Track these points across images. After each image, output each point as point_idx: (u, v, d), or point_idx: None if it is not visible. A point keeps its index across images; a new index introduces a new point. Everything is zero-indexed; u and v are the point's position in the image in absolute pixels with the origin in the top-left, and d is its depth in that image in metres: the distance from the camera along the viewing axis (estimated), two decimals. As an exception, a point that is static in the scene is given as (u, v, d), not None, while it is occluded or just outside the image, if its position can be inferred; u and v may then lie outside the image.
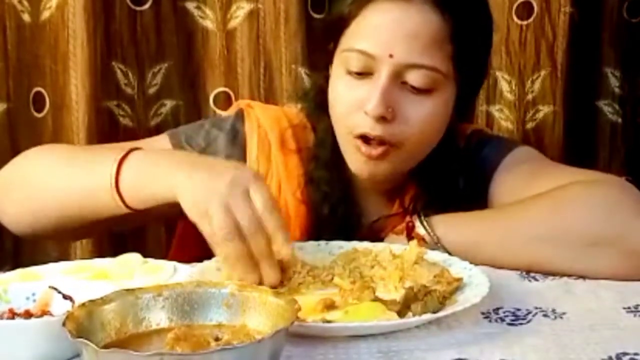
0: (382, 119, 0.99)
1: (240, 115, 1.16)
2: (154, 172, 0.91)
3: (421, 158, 1.07)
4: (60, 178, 0.99)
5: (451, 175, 1.11)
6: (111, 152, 0.97)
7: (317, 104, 1.13)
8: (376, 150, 1.01)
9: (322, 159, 1.11)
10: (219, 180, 0.83)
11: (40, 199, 1.01)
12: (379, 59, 0.99)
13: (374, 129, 1.00)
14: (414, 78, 0.99)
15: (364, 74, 1.01)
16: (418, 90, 1.00)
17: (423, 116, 1.01)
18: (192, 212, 0.84)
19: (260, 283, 0.81)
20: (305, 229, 1.09)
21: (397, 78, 0.99)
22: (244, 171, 0.87)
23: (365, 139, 1.01)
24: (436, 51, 0.99)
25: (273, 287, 0.78)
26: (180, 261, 0.94)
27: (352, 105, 1.02)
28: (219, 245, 0.81)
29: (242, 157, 1.13)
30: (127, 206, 0.93)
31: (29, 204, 1.02)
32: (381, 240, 1.03)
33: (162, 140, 1.14)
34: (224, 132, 1.14)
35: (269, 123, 1.14)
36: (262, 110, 1.17)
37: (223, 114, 1.25)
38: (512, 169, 1.11)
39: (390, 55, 0.98)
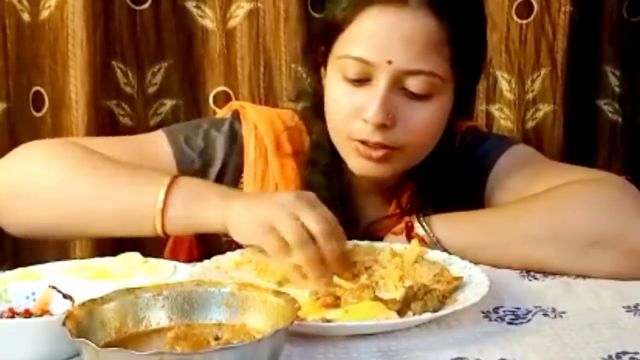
0: (382, 126, 0.98)
1: (236, 116, 1.15)
2: (204, 201, 0.92)
3: (421, 159, 1.07)
4: (87, 191, 0.96)
5: (448, 174, 1.11)
6: (146, 170, 0.98)
7: (311, 106, 1.12)
8: (376, 153, 1.00)
9: (319, 163, 1.10)
10: (282, 197, 0.87)
11: (57, 210, 0.97)
12: (377, 65, 0.98)
13: (374, 136, 0.99)
14: (413, 84, 0.98)
15: (361, 80, 1.00)
16: (417, 96, 0.99)
17: (423, 121, 1.01)
18: (253, 234, 0.86)
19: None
20: None
21: (396, 84, 0.98)
22: (304, 192, 0.90)
23: (364, 142, 1.01)
24: (434, 55, 0.98)
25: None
26: None
27: (351, 112, 1.01)
28: (287, 256, 0.84)
29: (240, 159, 1.13)
30: (164, 232, 0.93)
31: (42, 213, 0.98)
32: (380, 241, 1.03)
33: (159, 139, 1.12)
34: (222, 133, 1.13)
35: (263, 126, 1.13)
36: (255, 113, 1.16)
37: (218, 115, 1.23)
38: (509, 169, 1.10)
39: (389, 62, 0.97)
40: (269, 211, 0.85)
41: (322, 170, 1.10)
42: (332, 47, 1.04)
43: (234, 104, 1.21)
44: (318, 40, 1.09)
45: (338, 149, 1.06)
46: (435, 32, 0.98)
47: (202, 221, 0.92)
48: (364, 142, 1.00)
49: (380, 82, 0.98)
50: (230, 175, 1.12)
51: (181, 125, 1.18)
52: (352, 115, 1.01)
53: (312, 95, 1.13)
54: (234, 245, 0.95)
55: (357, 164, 1.03)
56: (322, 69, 1.08)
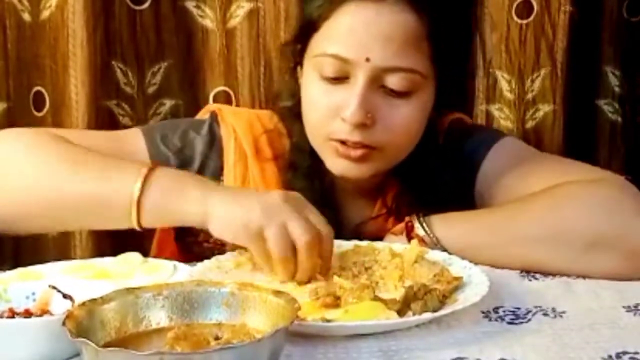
0: (361, 125, 0.97)
1: (215, 118, 1.13)
2: (184, 193, 0.89)
3: (402, 158, 1.05)
4: (60, 179, 0.92)
5: (433, 171, 1.09)
6: (122, 161, 0.95)
7: (290, 107, 1.10)
8: (355, 152, 0.99)
9: (300, 167, 1.08)
10: (270, 200, 0.85)
11: (26, 198, 0.93)
12: (355, 63, 0.96)
13: (353, 135, 0.97)
14: (393, 81, 0.96)
15: (339, 78, 0.98)
16: (397, 94, 0.98)
17: (403, 120, 0.99)
18: (239, 235, 0.84)
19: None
20: None
21: (375, 82, 0.97)
22: (291, 193, 0.89)
23: (343, 142, 0.99)
24: (414, 52, 0.96)
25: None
26: None
27: (329, 111, 0.99)
28: (271, 262, 0.84)
29: (220, 162, 1.11)
30: (139, 223, 0.90)
31: (10, 201, 0.94)
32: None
33: (136, 136, 1.10)
34: (201, 136, 1.11)
35: (242, 129, 1.11)
36: (234, 116, 1.14)
37: (196, 117, 1.21)
38: (500, 166, 1.09)
39: (367, 59, 0.95)
40: (258, 216, 0.83)
41: (303, 174, 1.08)
42: (307, 46, 1.02)
43: (211, 107, 1.19)
44: (294, 39, 1.06)
45: (317, 150, 1.04)
46: (413, 28, 0.96)
47: (180, 214, 0.89)
48: (343, 142, 0.99)
49: (359, 80, 0.96)
50: (209, 175, 1.09)
51: (159, 123, 1.17)
52: (330, 115, 0.99)
53: (290, 96, 1.10)
54: (216, 252, 0.94)
55: (336, 164, 1.02)
56: (299, 69, 1.06)
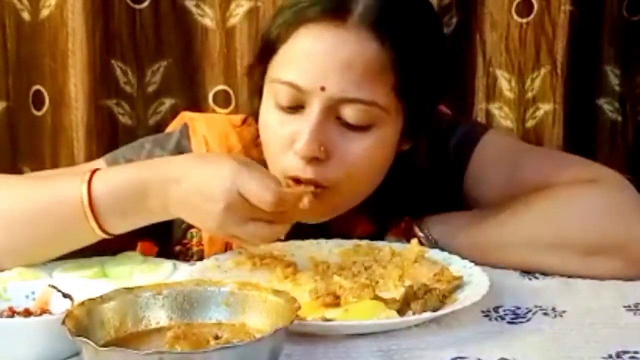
0: (314, 160, 0.89)
1: (185, 132, 1.07)
2: (138, 189, 0.87)
3: (363, 197, 0.97)
4: (10, 209, 0.90)
5: (416, 188, 1.02)
6: (67, 174, 0.92)
7: (258, 132, 1.00)
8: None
9: None
10: (214, 209, 0.83)
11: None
12: (310, 92, 0.88)
13: (305, 172, 0.90)
14: (350, 114, 0.89)
15: (294, 107, 0.91)
16: (354, 127, 0.90)
17: (360, 155, 0.91)
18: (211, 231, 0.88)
19: None
20: None
21: (331, 113, 0.89)
22: (228, 165, 0.84)
23: (297, 181, 0.91)
24: (374, 83, 0.89)
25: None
26: None
27: (283, 143, 0.92)
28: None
29: None
30: (104, 230, 0.88)
31: None
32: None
33: (100, 167, 0.99)
34: (167, 152, 1.05)
35: (216, 141, 1.05)
36: (208, 127, 1.07)
37: (168, 129, 1.16)
38: (484, 165, 1.04)
39: (322, 88, 0.88)
40: (214, 220, 0.84)
41: None
42: (267, 70, 0.95)
43: (185, 116, 1.13)
44: (257, 60, 0.99)
45: None
46: (377, 58, 0.89)
47: (142, 215, 0.89)
48: (296, 181, 0.91)
49: (313, 110, 0.89)
50: None
51: (124, 147, 1.10)
52: (285, 147, 0.91)
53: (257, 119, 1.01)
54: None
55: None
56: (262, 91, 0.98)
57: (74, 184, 0.87)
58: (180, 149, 1.06)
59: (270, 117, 0.94)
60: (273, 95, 0.93)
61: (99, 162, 1.06)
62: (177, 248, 1.06)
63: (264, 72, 0.96)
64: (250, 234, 0.85)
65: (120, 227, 0.90)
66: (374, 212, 1.03)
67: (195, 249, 1.05)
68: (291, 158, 0.91)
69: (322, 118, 0.89)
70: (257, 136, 1.02)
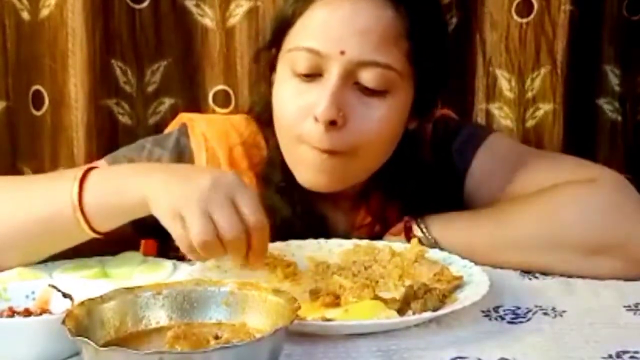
0: (332, 125, 0.92)
1: (184, 131, 1.08)
2: (122, 184, 0.86)
3: (377, 167, 1.00)
4: (11, 206, 0.90)
5: (418, 178, 1.05)
6: (59, 177, 0.91)
7: (264, 120, 1.05)
8: (324, 163, 0.94)
9: (275, 182, 1.02)
10: (198, 183, 0.80)
11: None
12: (329, 56, 0.92)
13: (323, 142, 0.92)
14: (368, 78, 0.92)
15: (312, 75, 0.94)
16: (372, 92, 0.93)
17: (377, 120, 0.94)
18: (165, 216, 0.81)
19: None
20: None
21: (349, 78, 0.93)
22: (226, 175, 0.84)
23: (314, 149, 0.94)
24: (391, 48, 0.93)
25: None
26: None
27: (300, 111, 0.94)
28: (191, 250, 0.79)
29: None
30: (92, 229, 0.87)
31: None
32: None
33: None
34: (167, 150, 1.06)
35: (216, 139, 1.06)
36: (207, 125, 1.08)
37: (167, 130, 1.16)
38: (487, 167, 1.06)
39: (342, 52, 0.91)
40: (181, 197, 0.79)
41: (277, 188, 1.02)
42: (282, 46, 0.98)
43: (183, 117, 1.13)
44: (269, 45, 1.02)
45: (287, 161, 0.99)
46: (393, 24, 0.93)
47: (124, 205, 0.85)
48: (314, 149, 0.94)
49: (332, 76, 0.92)
50: None
51: (125, 148, 1.10)
52: (302, 115, 0.94)
53: (264, 105, 1.04)
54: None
55: (307, 176, 0.97)
56: (274, 74, 1.01)
57: (64, 190, 0.87)
58: (180, 147, 1.06)
59: (288, 86, 0.96)
60: (290, 64, 0.95)
61: (100, 163, 1.05)
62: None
63: (277, 53, 1.00)
64: (227, 217, 0.79)
65: (103, 222, 0.88)
66: (375, 201, 1.05)
67: None
68: (310, 125, 0.93)
69: (341, 83, 0.92)
70: (256, 134, 1.04)
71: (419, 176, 1.05)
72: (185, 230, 0.79)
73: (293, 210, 1.00)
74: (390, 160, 1.01)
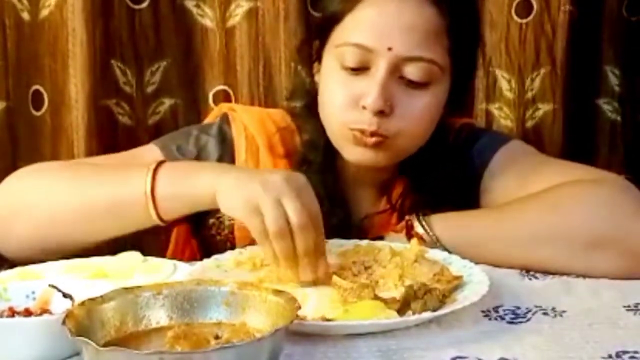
0: (380, 113, 0.99)
1: (225, 119, 1.16)
2: (194, 177, 0.93)
3: (413, 150, 1.07)
4: (73, 195, 0.98)
5: (441, 171, 1.11)
6: (131, 165, 1.00)
7: (305, 104, 1.13)
8: (371, 140, 1.01)
9: (313, 163, 1.10)
10: (271, 177, 0.86)
11: (54, 221, 0.98)
12: (378, 52, 0.99)
13: (370, 124, 1.00)
14: (412, 71, 1.00)
15: (360, 69, 1.01)
16: (415, 84, 1.01)
17: (419, 111, 1.02)
18: (238, 209, 0.86)
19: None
20: None
21: (395, 72, 1.00)
22: (296, 174, 0.89)
23: (361, 132, 1.01)
24: (434, 44, 1.00)
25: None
26: None
27: (348, 100, 1.02)
28: (268, 241, 0.84)
29: (232, 159, 1.13)
30: (159, 217, 0.94)
31: (38, 228, 0.98)
32: (369, 237, 1.03)
33: (152, 151, 1.12)
34: (212, 137, 1.14)
35: (255, 126, 1.14)
36: (246, 114, 1.17)
37: (208, 118, 1.24)
38: (504, 167, 1.11)
39: (389, 48, 0.98)
40: (256, 191, 0.84)
41: (315, 169, 1.09)
42: (328, 39, 1.05)
43: (223, 107, 1.22)
44: (313, 36, 1.11)
45: (333, 141, 1.07)
46: (435, 22, 1.00)
47: (192, 196, 0.92)
48: (361, 132, 1.01)
49: (380, 69, 0.99)
50: None
51: (171, 134, 1.19)
52: (350, 104, 1.01)
53: (306, 93, 1.14)
54: (228, 246, 0.98)
55: (353, 151, 1.04)
56: (316, 64, 1.10)
57: (138, 178, 0.94)
58: (223, 134, 1.15)
59: (336, 78, 1.03)
60: (338, 58, 1.02)
61: (151, 146, 1.14)
62: (211, 221, 1.13)
63: (322, 45, 1.07)
64: (298, 208, 0.83)
65: (171, 212, 0.95)
66: (396, 193, 1.12)
67: (227, 222, 1.12)
68: (357, 113, 1.01)
69: (388, 76, 0.99)
70: (291, 125, 1.15)
71: (442, 169, 1.11)
72: (260, 219, 0.83)
73: (325, 191, 1.04)
74: (421, 148, 1.08)
